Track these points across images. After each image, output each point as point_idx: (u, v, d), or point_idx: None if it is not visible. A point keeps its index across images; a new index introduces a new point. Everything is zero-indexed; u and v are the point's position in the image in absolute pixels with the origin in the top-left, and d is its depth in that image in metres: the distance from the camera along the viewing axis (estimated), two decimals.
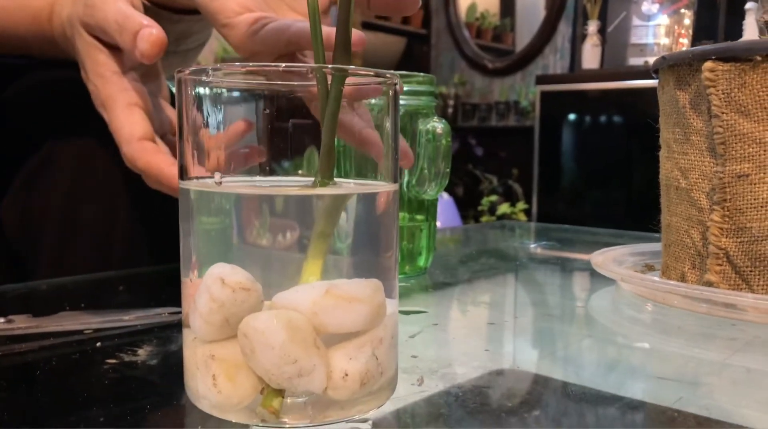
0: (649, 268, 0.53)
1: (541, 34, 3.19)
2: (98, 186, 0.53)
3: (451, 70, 3.52)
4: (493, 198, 3.04)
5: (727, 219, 0.40)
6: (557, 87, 2.66)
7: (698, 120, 0.42)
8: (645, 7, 2.67)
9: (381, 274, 0.26)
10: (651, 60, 2.66)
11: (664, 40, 2.65)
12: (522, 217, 2.93)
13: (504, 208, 2.95)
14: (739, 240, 0.40)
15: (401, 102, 0.49)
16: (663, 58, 0.44)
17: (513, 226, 0.92)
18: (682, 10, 2.66)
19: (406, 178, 0.49)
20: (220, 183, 0.25)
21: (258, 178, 0.27)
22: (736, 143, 0.39)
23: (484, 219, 3.03)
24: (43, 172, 0.54)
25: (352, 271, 0.25)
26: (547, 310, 0.44)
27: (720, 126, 0.40)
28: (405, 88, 0.49)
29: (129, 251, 0.54)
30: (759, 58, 0.38)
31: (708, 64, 0.40)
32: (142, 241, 0.54)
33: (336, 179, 0.28)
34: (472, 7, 3.57)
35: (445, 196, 2.95)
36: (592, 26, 2.72)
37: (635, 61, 2.65)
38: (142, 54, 0.39)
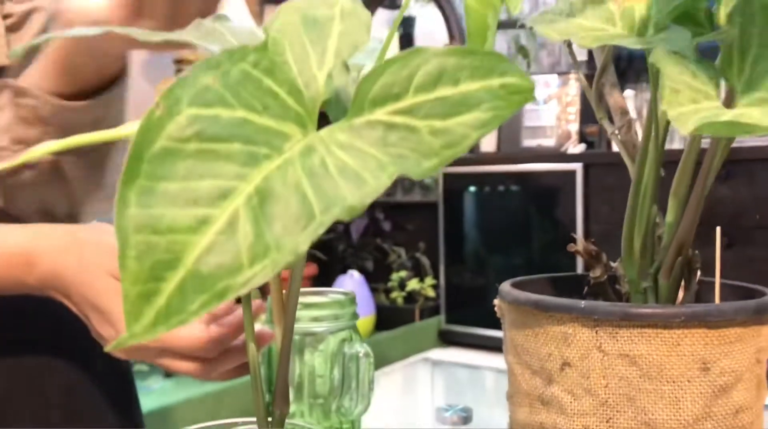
0: None
1: None
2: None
3: None
4: (403, 273, 3.10)
5: None
6: (458, 169, 2.78)
7: None
8: (536, 91, 2.85)
9: None
10: (543, 142, 2.84)
11: (556, 108, 2.83)
12: (431, 292, 3.00)
13: (413, 283, 3.02)
14: None
15: (322, 329, 0.51)
16: None
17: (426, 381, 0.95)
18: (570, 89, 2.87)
19: (333, 403, 0.51)
20: None
21: None
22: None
23: (394, 294, 3.07)
24: None
25: None
26: None
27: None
28: (325, 313, 0.52)
29: None
30: None
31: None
32: None
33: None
34: None
35: (356, 274, 2.98)
36: None
37: (529, 142, 2.82)
38: None
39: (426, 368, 1.04)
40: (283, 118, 0.20)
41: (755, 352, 0.42)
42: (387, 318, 2.95)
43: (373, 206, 3.51)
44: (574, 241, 0.48)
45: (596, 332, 0.42)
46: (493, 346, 2.43)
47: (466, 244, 2.92)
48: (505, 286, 0.49)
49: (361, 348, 0.51)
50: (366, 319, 2.88)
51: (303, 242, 0.18)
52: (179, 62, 2.52)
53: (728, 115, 0.33)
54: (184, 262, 0.17)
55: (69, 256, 0.43)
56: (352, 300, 0.54)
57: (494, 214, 2.82)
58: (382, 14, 3.69)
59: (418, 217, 3.40)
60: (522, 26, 2.95)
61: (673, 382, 0.41)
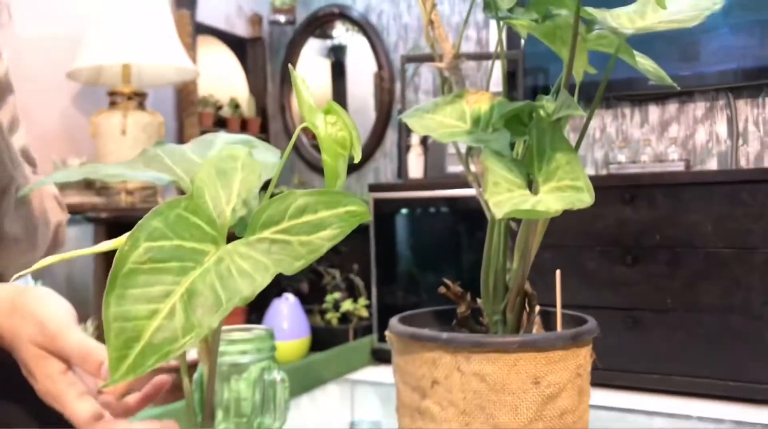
0: None
1: (372, 139, 3.48)
2: None
3: (291, 171, 3.70)
4: (337, 295, 3.20)
5: None
6: (388, 195, 2.93)
7: None
8: None
9: None
10: None
11: None
12: (364, 312, 3.11)
13: (347, 304, 3.12)
14: None
15: (246, 360, 0.62)
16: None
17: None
18: None
19: (255, 421, 0.62)
20: None
21: None
22: None
23: (329, 316, 3.17)
24: None
25: None
26: None
27: None
28: (248, 347, 0.63)
29: None
30: None
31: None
32: None
33: None
34: None
35: (291, 297, 3.07)
36: (415, 137, 3.03)
37: (453, 168, 2.99)
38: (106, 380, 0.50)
39: (346, 388, 1.16)
40: (203, 240, 0.31)
41: (576, 368, 0.56)
42: (322, 339, 3.05)
43: None
44: (446, 285, 0.61)
45: (455, 357, 0.54)
46: None
47: (399, 265, 3.05)
48: (393, 321, 0.61)
49: (278, 375, 0.62)
50: (301, 340, 2.97)
51: (215, 321, 0.29)
52: (113, 94, 2.58)
53: (529, 203, 0.46)
54: (143, 337, 0.28)
55: (8, 321, 0.54)
56: (271, 335, 0.65)
57: (424, 236, 2.97)
58: (314, 43, 3.82)
59: (351, 239, 3.51)
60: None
61: (513, 393, 0.54)
